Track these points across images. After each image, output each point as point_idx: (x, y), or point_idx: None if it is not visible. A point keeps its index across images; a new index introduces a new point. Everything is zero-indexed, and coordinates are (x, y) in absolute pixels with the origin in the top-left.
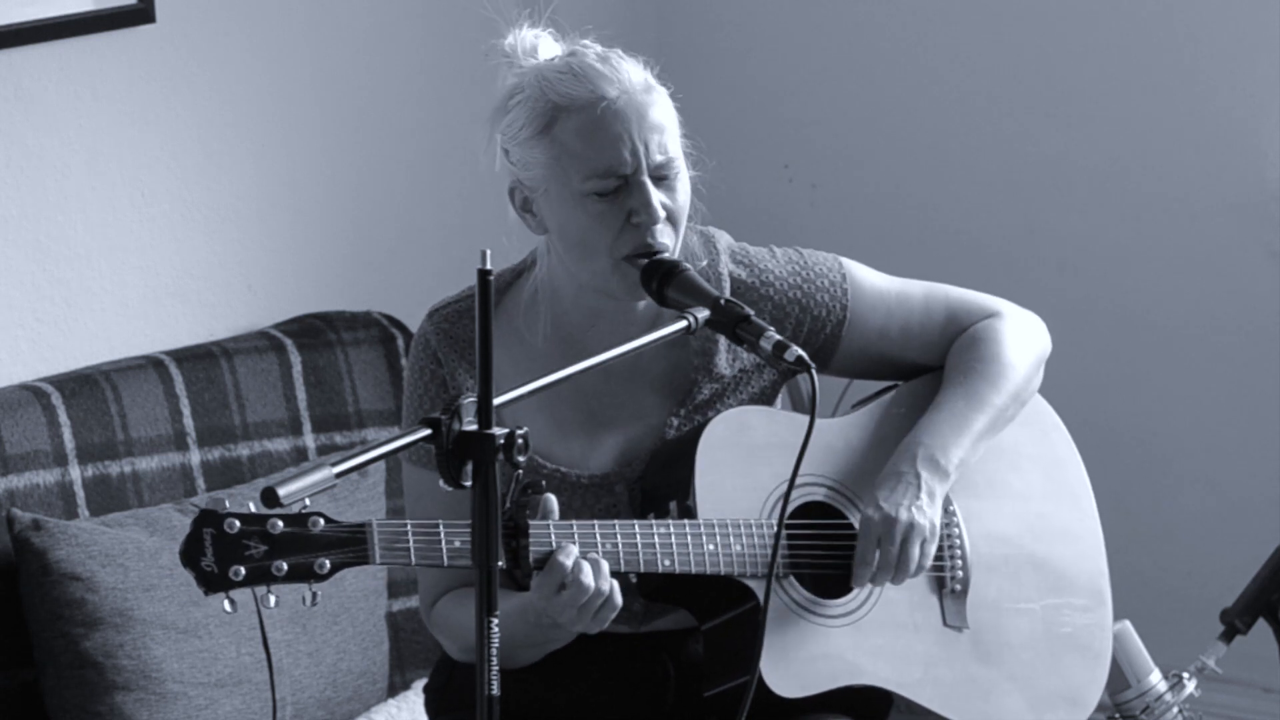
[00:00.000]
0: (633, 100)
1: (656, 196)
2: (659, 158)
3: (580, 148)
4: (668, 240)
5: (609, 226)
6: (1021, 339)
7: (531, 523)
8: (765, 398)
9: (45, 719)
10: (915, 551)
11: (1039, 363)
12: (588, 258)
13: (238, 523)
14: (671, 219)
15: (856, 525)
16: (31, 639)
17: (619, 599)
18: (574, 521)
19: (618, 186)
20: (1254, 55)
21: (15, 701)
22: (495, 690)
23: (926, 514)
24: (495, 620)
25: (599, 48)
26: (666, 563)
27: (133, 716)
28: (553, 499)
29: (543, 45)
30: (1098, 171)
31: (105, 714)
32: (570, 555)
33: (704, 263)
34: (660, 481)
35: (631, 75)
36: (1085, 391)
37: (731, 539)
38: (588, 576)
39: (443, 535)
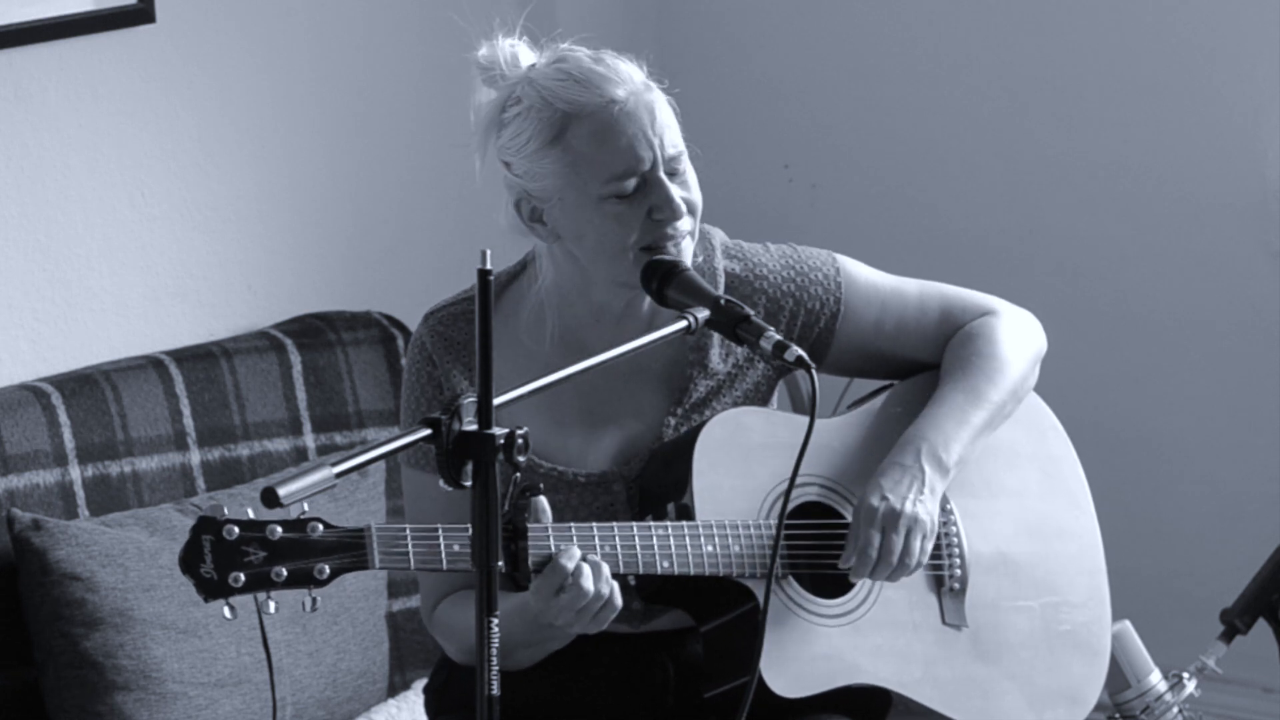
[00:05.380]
0: (641, 98)
1: (677, 191)
2: (671, 150)
3: (596, 152)
4: (688, 229)
5: (630, 226)
6: (1018, 336)
7: (530, 525)
8: (760, 393)
9: (45, 719)
10: (916, 546)
11: (1035, 360)
12: (610, 258)
13: (236, 529)
14: (690, 208)
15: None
16: (31, 639)
17: (619, 600)
18: (572, 524)
19: (637, 186)
20: (1254, 55)
21: (15, 701)
22: (495, 690)
23: (928, 508)
24: (495, 620)
25: (587, 50)
26: (665, 564)
27: (133, 716)
28: (544, 501)
29: (520, 53)
30: (1098, 172)
31: (105, 714)
32: (573, 559)
33: (700, 259)
34: (658, 483)
35: (632, 74)
36: (1085, 391)
37: (730, 540)
38: (587, 580)
39: (441, 539)
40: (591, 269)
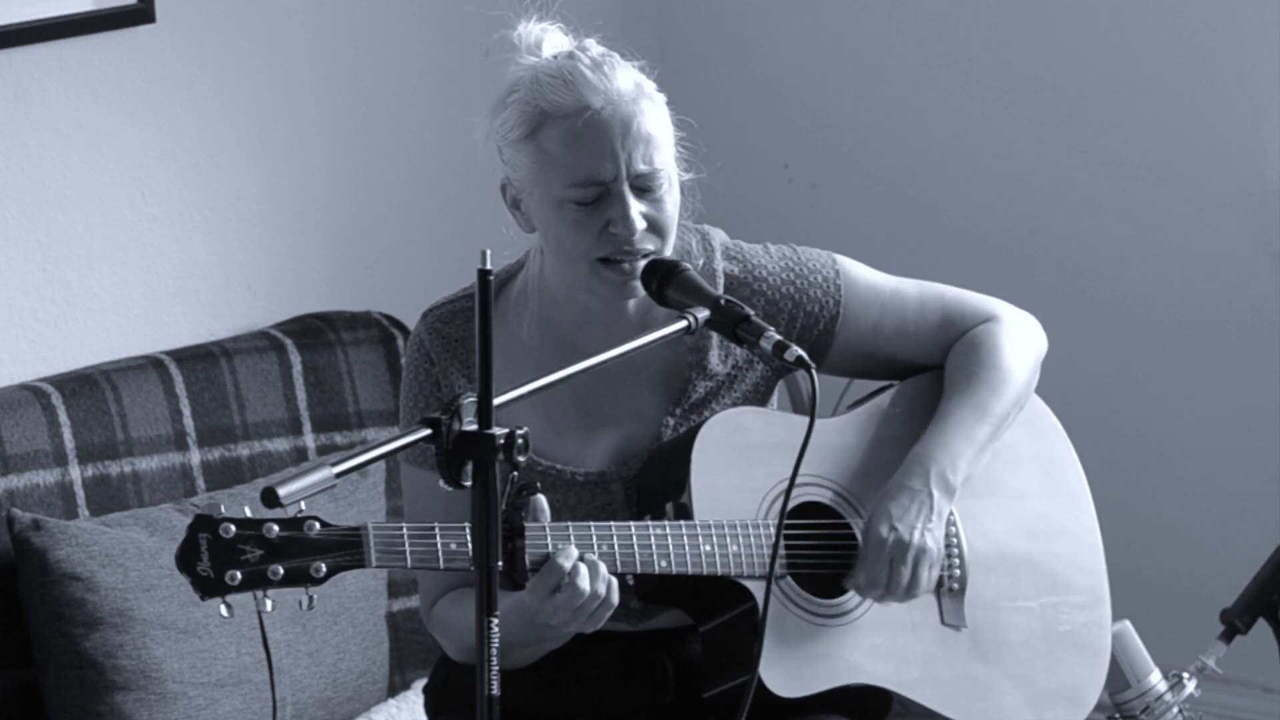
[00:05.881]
0: (618, 111)
1: (636, 207)
2: (642, 168)
3: (561, 156)
4: (649, 247)
5: (586, 233)
6: (1020, 343)
7: (528, 525)
8: (759, 394)
9: (45, 719)
10: (924, 575)
11: (1037, 364)
12: (567, 263)
13: (233, 527)
14: (656, 229)
15: (857, 531)
16: (31, 639)
17: (615, 599)
18: (570, 523)
19: (598, 195)
20: (1254, 55)
21: (15, 701)
22: (495, 690)
23: (935, 536)
24: (495, 620)
25: (598, 51)
26: (663, 564)
27: (133, 716)
28: (543, 500)
29: (549, 39)
30: (1098, 171)
31: (105, 714)
32: (570, 558)
33: (700, 261)
34: (656, 482)
35: (621, 84)
36: (1085, 391)
37: (728, 540)
38: (584, 580)
39: (439, 538)
40: (559, 269)
